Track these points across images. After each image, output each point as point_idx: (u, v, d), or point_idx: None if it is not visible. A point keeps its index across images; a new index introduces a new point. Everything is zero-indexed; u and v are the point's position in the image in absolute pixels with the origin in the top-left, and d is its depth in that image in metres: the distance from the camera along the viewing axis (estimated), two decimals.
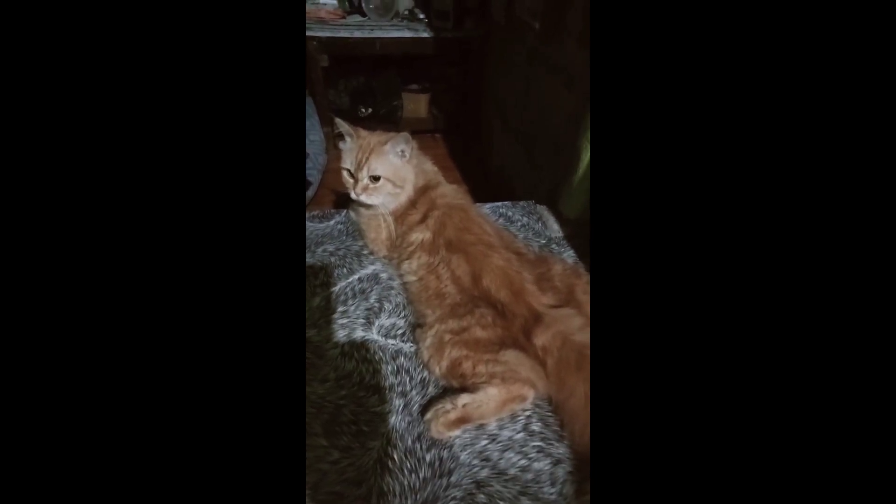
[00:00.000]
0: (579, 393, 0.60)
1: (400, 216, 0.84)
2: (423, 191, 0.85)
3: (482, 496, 0.53)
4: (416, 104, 2.36)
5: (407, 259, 0.79)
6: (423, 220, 0.80)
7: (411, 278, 0.78)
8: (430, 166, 0.91)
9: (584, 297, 0.73)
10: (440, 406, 0.60)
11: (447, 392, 0.64)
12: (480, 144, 2.23)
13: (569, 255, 0.95)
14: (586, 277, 0.79)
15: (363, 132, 0.83)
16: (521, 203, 1.13)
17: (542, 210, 1.11)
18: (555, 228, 1.05)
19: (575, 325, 0.66)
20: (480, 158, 2.20)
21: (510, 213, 1.09)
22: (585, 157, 1.05)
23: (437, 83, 2.39)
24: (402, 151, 0.81)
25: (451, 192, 0.86)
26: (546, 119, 1.41)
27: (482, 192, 1.93)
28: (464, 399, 0.60)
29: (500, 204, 1.12)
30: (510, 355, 0.63)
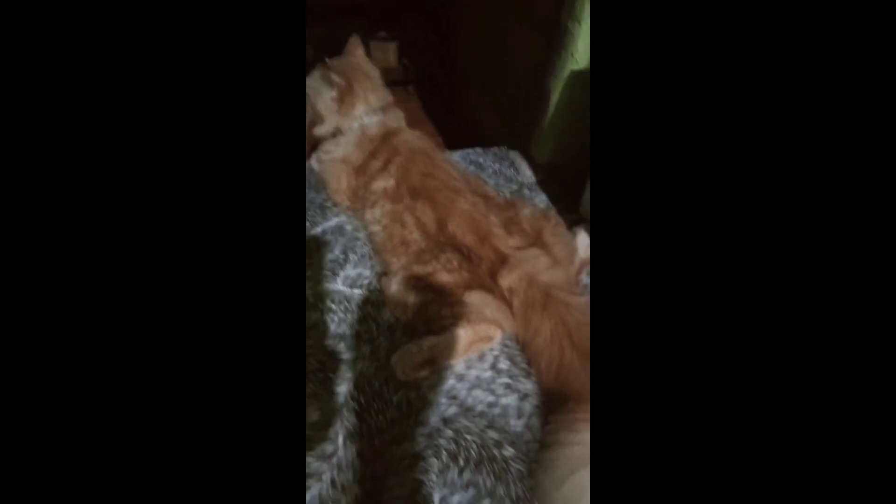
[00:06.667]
0: (545, 331, 0.60)
1: (361, 165, 0.81)
2: (383, 138, 0.81)
3: (449, 431, 0.54)
4: (385, 53, 2.23)
5: (370, 208, 0.77)
6: (385, 167, 0.77)
7: (376, 227, 0.76)
8: (393, 113, 0.87)
9: (552, 239, 0.72)
10: (406, 349, 0.60)
11: (414, 336, 0.64)
12: (451, 92, 2.14)
13: (541, 199, 0.94)
14: (555, 220, 0.78)
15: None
16: (493, 149, 1.10)
17: (515, 156, 1.08)
18: (527, 174, 1.03)
19: (541, 265, 0.65)
20: (450, 107, 2.12)
21: (481, 160, 1.06)
22: (555, 98, 1.02)
23: (407, 31, 2.26)
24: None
25: (413, 138, 0.83)
26: (516, 63, 1.35)
27: (455, 140, 1.88)
28: (430, 341, 0.60)
29: (470, 151, 1.09)
30: (475, 297, 0.63)
